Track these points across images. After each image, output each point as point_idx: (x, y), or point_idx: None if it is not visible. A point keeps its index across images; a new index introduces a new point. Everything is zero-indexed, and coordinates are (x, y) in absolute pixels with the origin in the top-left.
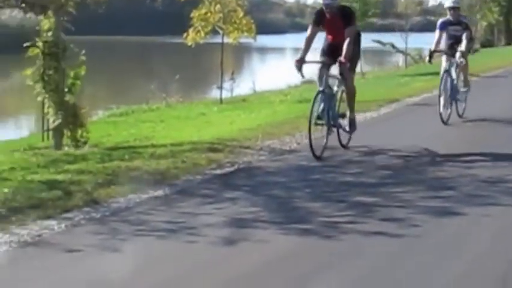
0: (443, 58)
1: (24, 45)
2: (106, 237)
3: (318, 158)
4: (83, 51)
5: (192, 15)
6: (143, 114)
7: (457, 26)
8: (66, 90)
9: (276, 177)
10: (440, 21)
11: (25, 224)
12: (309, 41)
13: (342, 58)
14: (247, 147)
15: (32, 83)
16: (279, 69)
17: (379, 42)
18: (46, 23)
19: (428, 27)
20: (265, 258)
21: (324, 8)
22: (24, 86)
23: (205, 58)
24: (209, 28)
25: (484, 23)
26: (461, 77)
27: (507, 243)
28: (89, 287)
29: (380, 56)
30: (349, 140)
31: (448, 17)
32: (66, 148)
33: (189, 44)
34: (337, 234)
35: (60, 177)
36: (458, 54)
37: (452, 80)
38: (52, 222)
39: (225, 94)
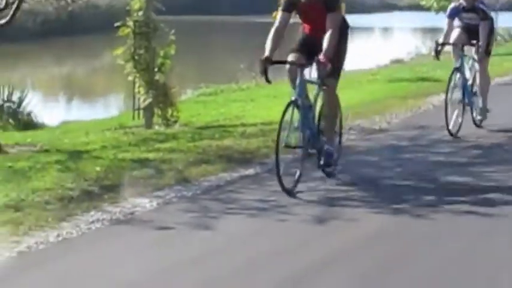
0: (454, 52)
1: (115, 25)
2: (197, 215)
3: (289, 193)
4: (173, 31)
5: None
6: (233, 93)
7: (471, 13)
8: (156, 69)
9: (367, 156)
10: (450, 6)
11: (117, 202)
12: (278, 34)
13: (321, 56)
14: None
15: (122, 62)
16: (367, 49)
17: None
18: (136, 2)
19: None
20: (356, 237)
21: None
22: (115, 66)
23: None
24: None
25: None
26: (477, 79)
27: None
28: (180, 264)
29: None
30: (333, 171)
31: (461, 1)
32: (156, 127)
33: None
34: (428, 214)
35: (151, 155)
36: (474, 50)
37: (465, 81)
38: (144, 200)
39: (314, 73)
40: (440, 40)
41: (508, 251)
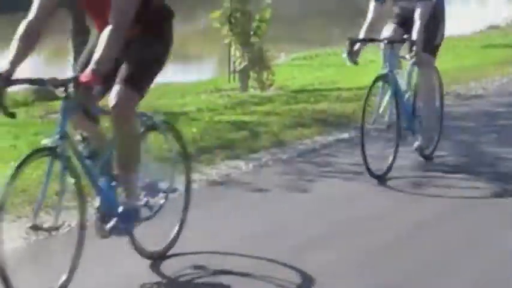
0: (381, 48)
1: None
2: (293, 178)
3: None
4: None
5: None
6: (328, 57)
7: None
8: (252, 32)
9: (463, 122)
10: None
11: (214, 163)
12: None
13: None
14: None
15: (219, 26)
16: (463, 14)
17: None
18: None
19: None
20: (451, 203)
21: None
22: (211, 28)
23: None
24: None
25: None
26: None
27: None
28: (276, 225)
29: None
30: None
31: None
32: (251, 90)
33: None
34: None
35: (247, 118)
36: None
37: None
38: (240, 163)
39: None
40: (361, 35)
41: None
